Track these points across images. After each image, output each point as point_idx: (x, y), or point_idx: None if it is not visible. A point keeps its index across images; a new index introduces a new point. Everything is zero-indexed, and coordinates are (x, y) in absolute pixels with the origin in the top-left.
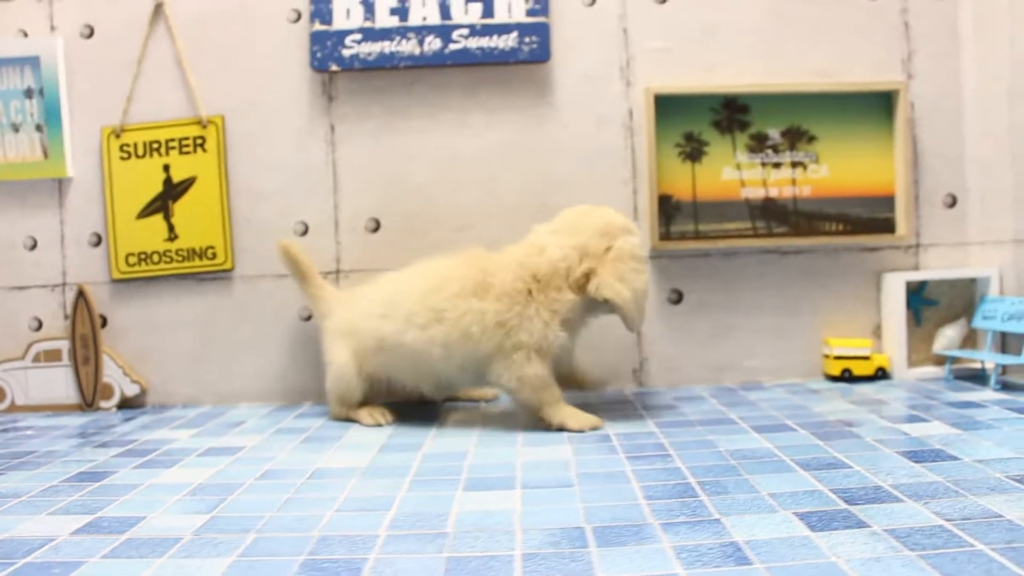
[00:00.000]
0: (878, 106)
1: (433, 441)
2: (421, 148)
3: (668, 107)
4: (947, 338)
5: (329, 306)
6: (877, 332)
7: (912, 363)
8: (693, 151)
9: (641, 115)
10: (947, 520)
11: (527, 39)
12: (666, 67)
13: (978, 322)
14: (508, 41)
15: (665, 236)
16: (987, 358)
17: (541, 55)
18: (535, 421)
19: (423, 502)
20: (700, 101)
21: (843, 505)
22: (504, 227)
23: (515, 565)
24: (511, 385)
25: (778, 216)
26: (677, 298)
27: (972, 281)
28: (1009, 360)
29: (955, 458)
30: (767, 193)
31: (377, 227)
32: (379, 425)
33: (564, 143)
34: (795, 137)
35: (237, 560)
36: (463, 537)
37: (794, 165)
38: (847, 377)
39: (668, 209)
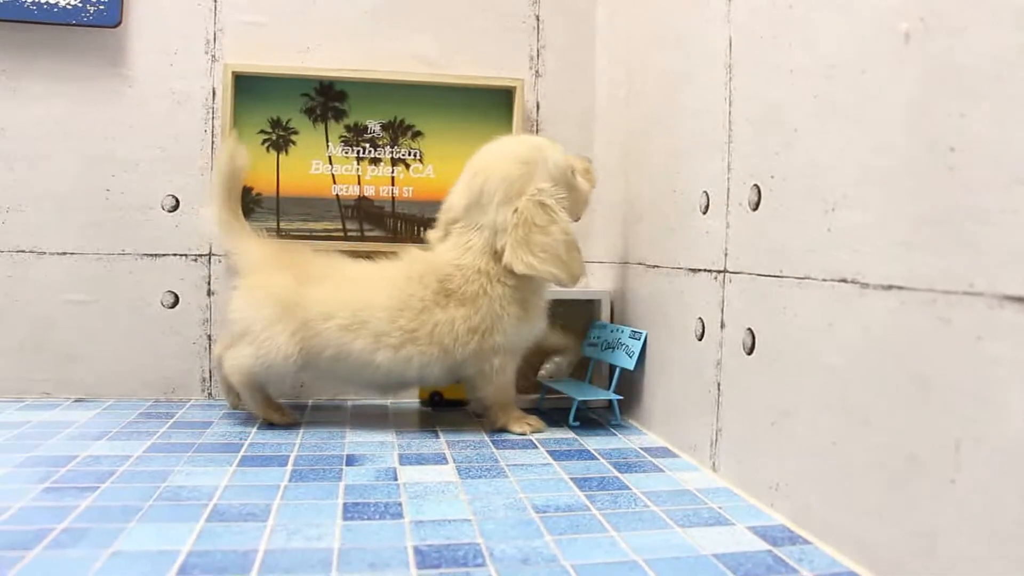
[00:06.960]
0: (499, 105)
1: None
2: None
3: (253, 89)
4: (555, 364)
5: (255, 257)
6: None
7: (520, 389)
8: (279, 140)
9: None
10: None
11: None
12: (258, 44)
13: (585, 350)
14: None
15: None
16: (567, 391)
17: (110, 19)
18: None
19: None
20: (291, 84)
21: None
22: (57, 212)
23: None
24: (486, 390)
25: (373, 218)
26: None
27: (590, 304)
28: (591, 395)
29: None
30: (362, 192)
31: None
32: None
33: (135, 121)
34: (398, 131)
35: None
36: None
37: (395, 163)
38: (437, 401)
39: (247, 203)
